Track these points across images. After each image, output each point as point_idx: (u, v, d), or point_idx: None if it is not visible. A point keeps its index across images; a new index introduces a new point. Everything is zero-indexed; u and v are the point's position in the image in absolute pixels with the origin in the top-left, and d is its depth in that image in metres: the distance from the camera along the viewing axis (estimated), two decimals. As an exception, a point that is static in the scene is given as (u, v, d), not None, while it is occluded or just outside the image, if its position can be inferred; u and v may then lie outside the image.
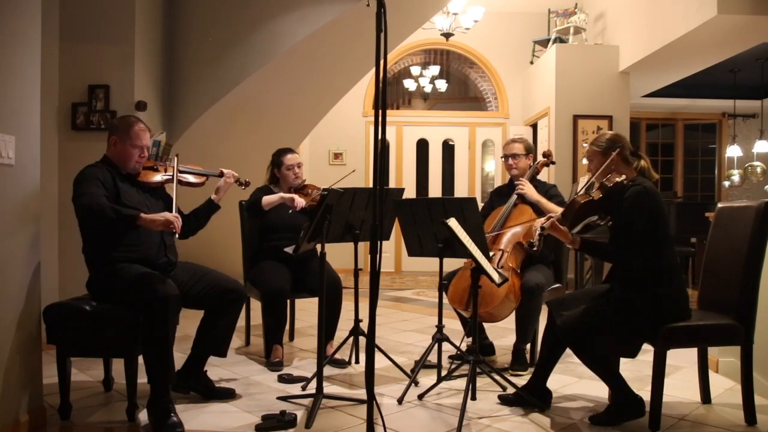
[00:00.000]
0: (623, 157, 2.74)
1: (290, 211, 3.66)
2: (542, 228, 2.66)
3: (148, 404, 2.56)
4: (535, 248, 2.70)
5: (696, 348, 2.91)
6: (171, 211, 2.74)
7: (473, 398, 2.91)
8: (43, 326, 2.61)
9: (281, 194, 3.73)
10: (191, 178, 3.05)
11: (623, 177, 2.65)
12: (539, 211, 3.50)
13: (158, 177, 2.95)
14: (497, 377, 3.09)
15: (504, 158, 3.80)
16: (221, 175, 3.14)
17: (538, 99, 7.85)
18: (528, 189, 3.58)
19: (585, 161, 2.90)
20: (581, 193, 2.67)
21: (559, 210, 3.06)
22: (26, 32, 2.46)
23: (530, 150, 3.79)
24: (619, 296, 2.65)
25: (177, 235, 2.71)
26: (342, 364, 3.51)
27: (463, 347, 3.37)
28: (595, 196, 2.63)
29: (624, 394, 2.62)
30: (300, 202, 3.65)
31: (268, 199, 3.70)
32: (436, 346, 3.24)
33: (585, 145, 7.03)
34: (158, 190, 3.01)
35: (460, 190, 8.76)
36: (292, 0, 4.66)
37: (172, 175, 2.93)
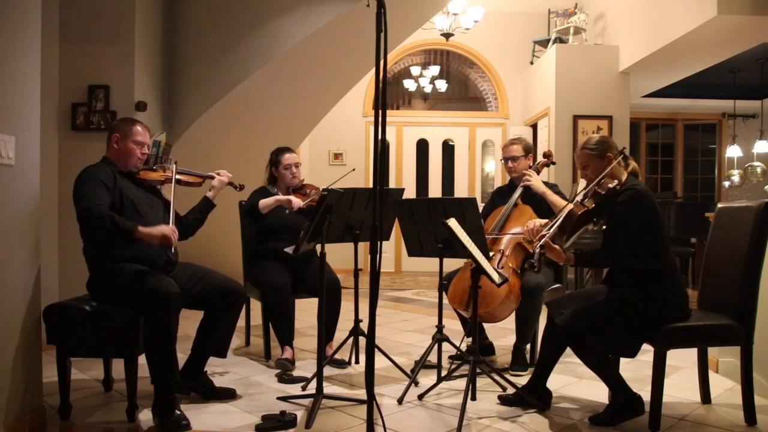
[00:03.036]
0: (617, 159, 2.73)
1: (287, 211, 3.65)
2: (541, 247, 2.64)
3: (153, 405, 2.56)
4: (536, 269, 2.64)
5: (696, 348, 2.91)
6: (170, 214, 2.80)
7: (473, 398, 2.91)
8: (43, 326, 2.61)
9: (277, 197, 3.72)
10: (189, 178, 3.10)
11: (615, 182, 2.64)
12: (540, 212, 3.50)
13: (157, 176, 2.99)
14: (497, 377, 3.09)
15: (503, 161, 3.80)
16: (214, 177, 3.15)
17: (538, 99, 7.85)
18: (535, 180, 3.59)
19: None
20: (576, 203, 2.66)
21: (564, 203, 3.04)
22: (26, 32, 2.46)
23: (529, 150, 3.78)
24: (618, 296, 2.65)
25: (173, 249, 2.75)
26: (342, 364, 3.51)
27: (463, 347, 3.37)
28: (589, 205, 2.64)
29: (624, 394, 2.62)
30: (297, 202, 3.64)
31: (264, 203, 3.68)
32: (436, 346, 3.24)
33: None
34: (157, 190, 3.04)
35: (460, 191, 8.76)
36: (292, 0, 4.67)
37: (171, 176, 2.96)
